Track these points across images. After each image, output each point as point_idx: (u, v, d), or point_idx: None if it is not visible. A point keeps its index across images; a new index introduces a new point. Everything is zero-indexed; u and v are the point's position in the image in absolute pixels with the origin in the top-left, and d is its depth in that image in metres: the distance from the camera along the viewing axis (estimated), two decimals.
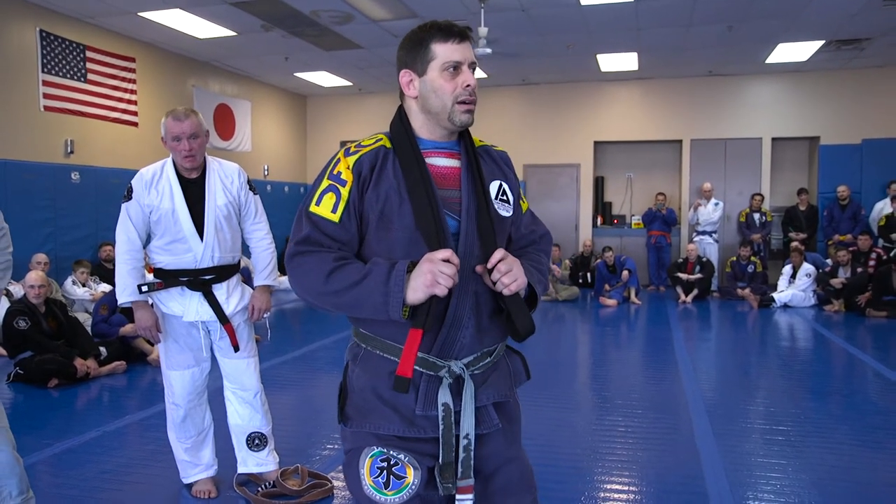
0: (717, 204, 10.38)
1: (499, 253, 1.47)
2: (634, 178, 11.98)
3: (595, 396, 4.89)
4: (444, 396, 1.50)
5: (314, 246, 1.49)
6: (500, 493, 1.62)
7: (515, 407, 1.70)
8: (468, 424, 1.52)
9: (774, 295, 9.05)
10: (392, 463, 1.50)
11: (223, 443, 3.26)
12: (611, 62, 10.18)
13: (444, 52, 1.51)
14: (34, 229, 7.27)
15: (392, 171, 1.51)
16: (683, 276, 9.69)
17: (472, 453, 1.52)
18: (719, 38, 8.77)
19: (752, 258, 9.89)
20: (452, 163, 1.58)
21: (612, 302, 9.22)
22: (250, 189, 3.12)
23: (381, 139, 1.56)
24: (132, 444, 3.86)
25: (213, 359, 3.11)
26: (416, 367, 1.48)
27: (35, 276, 5.27)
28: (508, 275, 1.46)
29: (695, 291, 9.54)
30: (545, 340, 6.89)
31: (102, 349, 5.49)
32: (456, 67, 1.51)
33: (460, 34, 1.52)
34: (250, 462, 3.16)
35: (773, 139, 11.07)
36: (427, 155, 1.55)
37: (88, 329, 5.91)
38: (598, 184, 11.97)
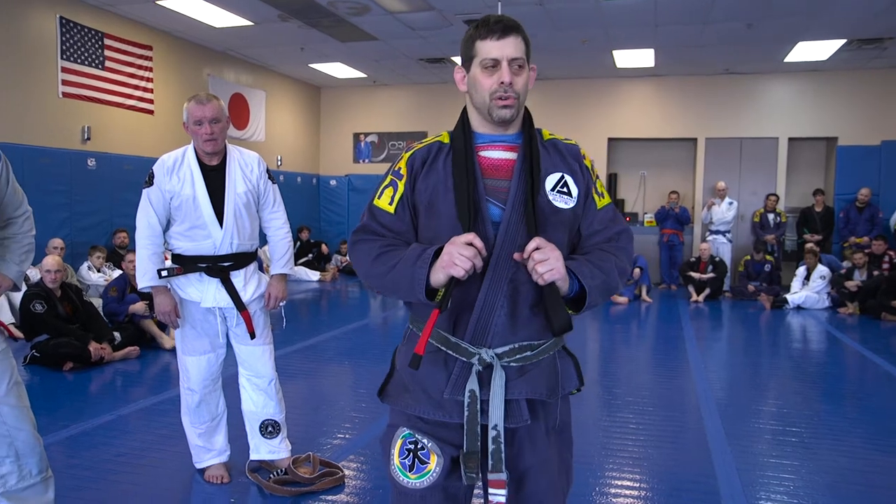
0: (731, 203, 10.32)
1: (534, 241, 1.46)
2: (648, 176, 11.92)
3: (605, 394, 4.89)
4: (472, 383, 1.51)
5: (369, 234, 1.60)
6: (531, 497, 1.60)
7: (557, 411, 1.64)
8: (497, 416, 1.51)
9: (787, 296, 8.99)
10: (419, 447, 1.55)
11: (236, 429, 3.28)
12: (627, 58, 10.12)
13: (483, 48, 1.53)
14: (51, 214, 7.32)
15: (442, 163, 1.58)
16: (696, 275, 9.65)
17: (501, 445, 1.51)
18: (738, 35, 8.70)
19: (768, 257, 9.84)
20: (508, 155, 1.60)
21: (622, 299, 9.19)
22: (269, 178, 3.14)
23: (442, 136, 1.64)
24: (145, 428, 3.89)
25: (229, 345, 3.13)
26: (450, 352, 1.53)
27: (51, 260, 5.32)
28: (543, 263, 1.44)
29: (707, 291, 9.50)
30: None
31: (116, 334, 5.54)
32: (494, 64, 1.53)
33: (501, 31, 1.52)
34: (263, 449, 3.18)
35: (790, 139, 10.98)
36: (483, 148, 1.60)
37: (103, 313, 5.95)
38: (611, 181, 11.91)
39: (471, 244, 1.42)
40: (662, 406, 4.47)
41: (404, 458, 1.55)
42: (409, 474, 1.54)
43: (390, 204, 1.59)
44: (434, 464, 1.53)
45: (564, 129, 11.48)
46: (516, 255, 1.50)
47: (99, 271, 7.35)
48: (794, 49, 9.33)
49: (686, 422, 4.18)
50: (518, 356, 1.55)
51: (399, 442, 1.57)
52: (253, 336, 3.05)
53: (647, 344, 6.98)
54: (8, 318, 6.21)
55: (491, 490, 1.53)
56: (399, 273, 1.50)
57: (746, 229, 10.90)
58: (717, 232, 10.34)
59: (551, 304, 1.48)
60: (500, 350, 1.54)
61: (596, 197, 1.66)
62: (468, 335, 1.53)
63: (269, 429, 3.18)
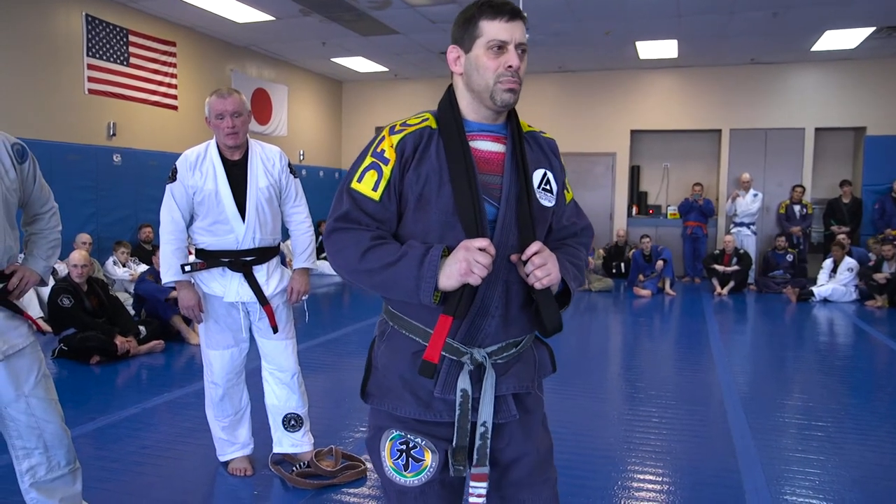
0: (755, 195, 10.17)
1: (535, 245, 1.44)
2: (671, 168, 11.79)
3: (628, 387, 4.86)
4: (464, 382, 1.50)
5: (352, 223, 1.48)
6: (516, 485, 1.61)
7: (536, 399, 1.64)
8: (486, 413, 1.51)
9: (814, 289, 8.86)
10: (411, 446, 1.52)
11: (260, 423, 3.31)
12: (650, 49, 10.00)
13: (491, 29, 1.48)
14: (77, 209, 7.44)
15: (435, 152, 1.49)
16: (720, 267, 9.54)
17: (488, 441, 1.52)
18: (763, 25, 8.55)
19: (790, 249, 9.70)
20: (497, 147, 1.55)
21: (646, 292, 9.12)
22: (291, 172, 3.15)
23: (428, 119, 1.54)
24: (170, 421, 3.95)
25: (252, 339, 3.16)
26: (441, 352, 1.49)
27: (78, 255, 5.40)
28: (542, 268, 1.43)
29: (731, 284, 9.39)
30: (578, 330, 6.85)
31: (142, 328, 5.62)
32: (501, 46, 1.48)
33: (511, 13, 1.48)
34: (286, 442, 3.21)
35: (817, 129, 10.78)
36: (472, 137, 1.53)
37: (129, 308, 6.05)
38: (634, 173, 11.81)
39: (485, 250, 1.38)
40: (686, 400, 4.43)
41: (397, 459, 1.53)
42: (405, 473, 1.52)
43: (374, 189, 1.47)
44: (430, 460, 1.51)
45: (587, 122, 11.48)
46: (513, 257, 1.48)
47: (124, 266, 7.46)
48: (821, 38, 9.14)
49: (709, 416, 4.14)
50: (506, 354, 1.55)
51: (388, 444, 1.53)
52: (276, 330, 3.07)
53: (671, 337, 6.92)
54: (37, 313, 6.33)
55: (472, 483, 1.53)
56: (398, 272, 1.41)
57: (772, 221, 10.74)
58: (741, 224, 10.21)
59: (545, 307, 1.48)
60: (490, 349, 1.53)
61: (566, 192, 1.68)
62: (460, 335, 1.50)
63: (291, 422, 3.20)
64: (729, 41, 9.41)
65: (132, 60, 8.17)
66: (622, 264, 10.48)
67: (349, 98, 13.20)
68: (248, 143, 3.04)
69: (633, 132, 11.61)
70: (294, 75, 11.60)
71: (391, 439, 1.53)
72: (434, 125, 1.53)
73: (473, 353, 1.50)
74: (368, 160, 1.51)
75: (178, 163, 2.98)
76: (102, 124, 7.88)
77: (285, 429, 3.21)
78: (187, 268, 2.93)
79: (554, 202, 1.60)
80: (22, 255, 2.41)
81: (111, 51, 7.89)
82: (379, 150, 1.50)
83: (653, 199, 11.89)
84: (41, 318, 6.19)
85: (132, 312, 6.05)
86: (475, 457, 1.52)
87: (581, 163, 11.65)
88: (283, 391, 3.18)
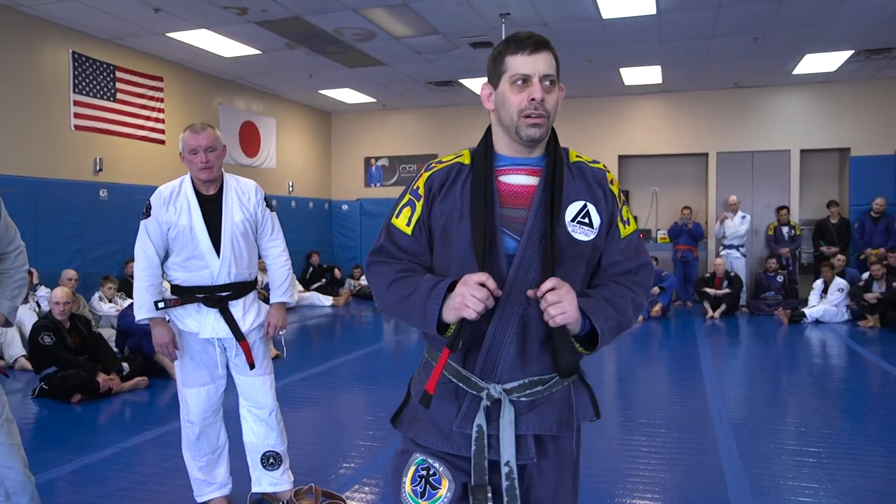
0: (743, 217, 10.20)
1: (550, 282, 1.40)
2: (660, 192, 11.84)
3: (618, 415, 4.79)
4: (479, 418, 1.48)
5: (385, 257, 1.58)
6: None
7: (566, 446, 1.57)
8: (508, 452, 1.47)
9: (805, 310, 8.84)
10: (431, 472, 1.52)
11: (238, 461, 3.24)
12: (634, 75, 10.11)
13: (514, 64, 1.48)
14: (64, 245, 7.41)
15: (460, 188, 1.52)
16: (711, 291, 9.52)
17: (515, 482, 1.47)
18: (744, 49, 8.66)
19: (780, 270, 9.70)
20: (530, 181, 1.53)
21: (639, 320, 9.07)
22: (267, 206, 3.12)
23: (463, 155, 1.58)
24: (149, 461, 3.86)
25: (230, 376, 3.10)
26: (461, 385, 1.51)
27: (60, 292, 5.34)
28: (556, 306, 1.38)
29: (723, 307, 9.36)
30: None
31: (125, 364, 5.54)
32: (525, 80, 1.47)
33: (534, 46, 1.47)
34: (264, 481, 3.14)
35: (802, 151, 10.87)
36: (504, 172, 1.53)
37: (112, 344, 5.97)
38: (623, 198, 11.82)
39: (483, 285, 1.37)
40: (676, 427, 4.37)
41: (416, 486, 1.52)
42: (420, 501, 1.51)
43: (408, 225, 1.55)
44: (445, 489, 1.50)
45: (574, 148, 11.49)
46: (530, 293, 1.44)
47: (110, 301, 7.39)
48: (801, 61, 9.27)
49: (700, 443, 4.07)
50: (528, 391, 1.51)
51: (412, 469, 1.54)
52: (252, 367, 3.02)
53: (662, 362, 6.86)
54: (20, 351, 6.25)
55: None
56: (412, 305, 1.47)
57: (761, 243, 10.76)
58: (730, 246, 10.22)
59: (559, 347, 1.44)
60: (509, 385, 1.50)
61: (620, 225, 1.58)
62: (477, 369, 1.50)
63: (270, 460, 3.13)
64: (712, 65, 9.52)
65: (119, 96, 8.20)
66: None
67: (338, 129, 13.25)
68: (224, 178, 3.02)
69: (620, 157, 11.67)
70: (282, 108, 11.66)
71: (415, 464, 1.54)
72: (467, 161, 1.56)
73: (490, 388, 1.49)
74: (407, 197, 1.58)
75: (152, 198, 2.95)
76: (89, 160, 7.87)
77: (264, 467, 3.13)
78: (161, 304, 2.89)
79: (593, 236, 1.53)
80: None
81: (98, 87, 7.91)
82: (415, 187, 1.58)
83: (642, 223, 11.91)
84: (23, 356, 6.11)
85: (115, 349, 5.97)
86: (505, 498, 1.47)
87: None
88: (261, 428, 3.11)
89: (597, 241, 1.54)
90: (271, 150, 11.27)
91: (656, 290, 9.31)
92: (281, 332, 3.15)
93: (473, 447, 1.48)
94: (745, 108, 10.99)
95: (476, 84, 10.65)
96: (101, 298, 7.37)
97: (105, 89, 8.02)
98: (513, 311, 1.46)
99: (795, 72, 9.85)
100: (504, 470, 1.47)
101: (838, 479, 3.47)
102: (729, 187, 10.96)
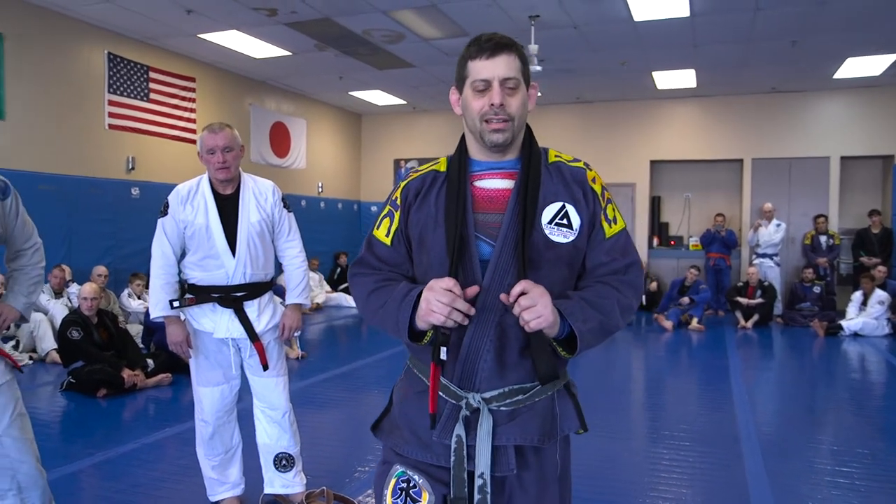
0: (778, 225, 9.93)
1: (521, 285, 1.35)
2: (692, 199, 11.62)
3: (641, 426, 4.68)
4: (459, 428, 1.44)
5: (365, 268, 1.58)
6: None
7: (549, 457, 1.51)
8: (483, 463, 1.42)
9: (843, 322, 8.56)
10: (411, 485, 1.49)
11: (252, 461, 3.22)
12: (667, 79, 9.93)
13: (474, 69, 1.45)
14: (97, 242, 7.54)
15: (435, 196, 1.51)
16: (743, 300, 9.28)
17: (488, 496, 1.42)
18: (783, 53, 8.43)
19: (817, 281, 9.42)
20: (505, 184, 1.50)
21: (668, 324, 8.88)
22: (284, 207, 3.10)
23: (439, 163, 1.57)
24: (167, 458, 3.88)
25: (245, 377, 3.09)
26: (441, 394, 1.48)
27: (88, 288, 5.42)
28: (530, 310, 1.33)
29: (755, 317, 9.12)
30: (593, 365, 6.67)
31: (150, 361, 5.60)
32: (485, 86, 1.44)
33: (492, 49, 1.43)
34: (277, 483, 3.12)
35: (843, 158, 10.55)
36: (480, 177, 1.51)
37: (139, 340, 6.04)
38: (655, 204, 11.65)
39: (450, 290, 1.33)
40: (700, 441, 4.24)
41: (397, 498, 1.49)
42: None
43: (387, 235, 1.55)
44: (426, 502, 1.47)
45: (606, 152, 11.39)
46: (502, 297, 1.39)
47: (139, 298, 7.49)
48: (843, 65, 9.00)
49: (724, 458, 3.94)
50: (508, 400, 1.46)
51: (392, 481, 1.51)
52: (266, 368, 3.00)
53: (689, 373, 6.70)
54: (51, 344, 6.36)
55: None
56: (387, 313, 1.46)
57: (797, 252, 10.48)
58: (764, 255, 9.96)
59: (537, 352, 1.39)
60: (488, 395, 1.45)
61: (605, 224, 1.51)
62: (455, 378, 1.46)
63: (283, 462, 3.11)
64: (748, 70, 9.30)
65: (152, 96, 8.32)
66: (643, 296, 10.27)
67: (368, 131, 13.29)
68: (241, 178, 3.01)
69: (652, 162, 11.48)
70: (312, 109, 11.73)
71: (395, 476, 1.52)
72: (443, 168, 1.54)
73: (469, 397, 1.45)
74: (386, 209, 1.58)
75: (169, 197, 2.96)
76: (122, 158, 8.01)
77: (276, 468, 3.12)
78: (175, 303, 2.89)
79: (573, 237, 1.47)
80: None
81: (131, 87, 8.05)
82: (393, 197, 1.58)
83: (674, 230, 11.70)
84: (54, 349, 6.22)
85: (141, 345, 6.04)
86: None
87: None
88: (274, 430, 3.10)
89: (577, 243, 1.48)
90: (301, 151, 11.34)
91: (686, 300, 9.11)
92: (296, 334, 3.12)
93: (452, 458, 1.44)
94: (782, 114, 10.71)
95: None
96: (130, 295, 7.48)
97: (139, 89, 8.15)
98: (489, 317, 1.43)
99: (836, 76, 9.57)
100: (478, 483, 1.43)
101: (873, 503, 3.32)
102: (764, 194, 10.69)
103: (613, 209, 1.55)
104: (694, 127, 11.24)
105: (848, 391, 5.86)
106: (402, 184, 1.56)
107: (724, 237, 10.26)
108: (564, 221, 1.47)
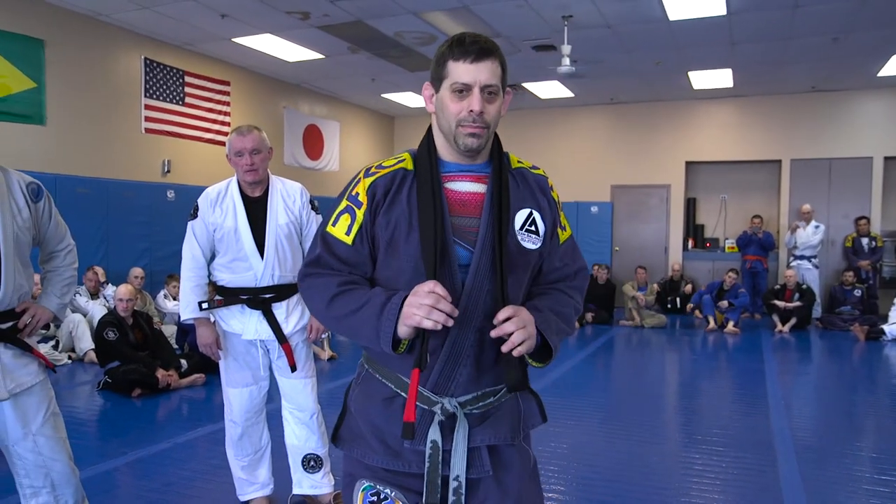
0: (817, 227, 9.67)
1: (505, 311, 1.35)
2: (729, 200, 11.40)
3: (672, 430, 4.60)
4: (434, 433, 1.42)
5: (323, 268, 1.47)
6: None
7: (520, 453, 1.52)
8: (459, 466, 1.42)
9: (885, 327, 8.30)
10: (381, 497, 1.45)
11: (281, 462, 3.25)
12: (703, 79, 9.76)
13: (455, 71, 1.41)
14: (133, 244, 7.70)
15: (406, 196, 1.44)
16: (780, 303, 9.07)
17: (462, 498, 1.43)
18: (824, 50, 8.22)
19: (858, 284, 9.16)
20: (477, 188, 1.48)
21: (710, 321, 8.82)
22: (313, 209, 3.12)
23: (405, 160, 1.50)
24: (198, 457, 3.94)
25: (273, 378, 3.12)
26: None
27: (124, 289, 5.54)
28: (519, 332, 1.34)
29: (793, 320, 8.90)
30: (626, 368, 6.58)
31: (183, 361, 5.69)
32: (464, 89, 1.40)
33: (477, 53, 1.39)
34: (305, 484, 3.14)
35: (886, 158, 10.24)
36: (450, 179, 1.47)
37: (173, 341, 6.15)
38: (690, 205, 11.46)
39: (433, 292, 1.30)
40: (734, 445, 4.15)
41: None
42: None
43: (347, 234, 1.45)
44: None
45: (640, 154, 11.24)
46: (493, 333, 1.37)
47: (175, 299, 7.62)
48: (888, 62, 8.73)
49: (758, 464, 3.84)
50: (481, 403, 1.47)
51: (360, 495, 1.47)
52: (294, 369, 3.02)
53: (724, 377, 6.57)
54: (89, 345, 6.51)
55: None
56: (361, 320, 1.38)
57: (837, 255, 10.20)
58: (801, 257, 9.70)
59: (506, 363, 1.39)
60: (462, 399, 1.45)
61: (559, 231, 1.56)
62: (430, 384, 1.43)
63: (311, 463, 3.13)
64: (787, 68, 9.09)
65: (187, 100, 8.47)
66: (678, 299, 10.12)
67: (401, 133, 13.34)
68: (270, 180, 3.04)
69: (688, 163, 11.30)
70: (346, 111, 11.81)
71: (363, 490, 1.47)
72: (410, 166, 1.49)
73: (444, 402, 1.44)
74: (344, 203, 1.48)
75: (199, 200, 3.00)
76: (158, 162, 8.17)
77: (305, 469, 3.14)
78: (205, 305, 2.92)
79: (539, 244, 1.50)
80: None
81: (168, 91, 8.21)
82: (353, 192, 1.48)
83: (710, 231, 11.49)
84: (92, 349, 6.36)
85: (176, 345, 6.15)
86: None
87: (634, 195, 11.39)
88: (302, 431, 3.12)
89: (542, 249, 1.52)
90: (335, 153, 11.43)
91: (724, 304, 8.94)
92: (323, 336, 3.14)
93: (427, 464, 1.41)
94: (823, 113, 10.44)
95: (540, 88, 10.53)
96: (165, 296, 7.62)
97: (174, 93, 8.31)
98: (470, 324, 1.41)
99: (881, 74, 9.29)
100: (452, 485, 1.42)
101: None
102: (803, 196, 10.44)
103: (564, 216, 1.60)
104: (730, 127, 11.03)
105: (889, 397, 5.68)
106: (367, 180, 1.46)
107: (761, 239, 10.05)
108: (533, 228, 1.50)
